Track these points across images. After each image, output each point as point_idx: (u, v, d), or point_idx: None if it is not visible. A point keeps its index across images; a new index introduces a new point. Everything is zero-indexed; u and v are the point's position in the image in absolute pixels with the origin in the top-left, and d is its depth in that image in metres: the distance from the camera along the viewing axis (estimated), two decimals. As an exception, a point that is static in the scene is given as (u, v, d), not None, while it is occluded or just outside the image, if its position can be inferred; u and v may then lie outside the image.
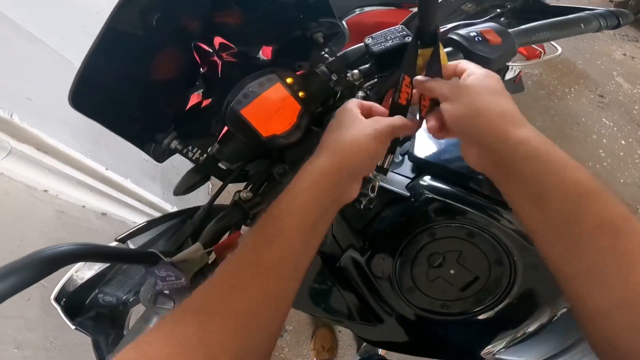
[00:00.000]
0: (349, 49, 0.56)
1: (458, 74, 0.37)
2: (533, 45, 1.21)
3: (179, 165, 1.49)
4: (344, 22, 1.41)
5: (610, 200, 0.25)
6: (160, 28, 0.37)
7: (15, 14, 0.87)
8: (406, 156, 0.60)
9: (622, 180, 1.59)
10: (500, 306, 0.41)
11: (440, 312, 0.43)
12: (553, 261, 0.26)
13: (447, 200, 0.47)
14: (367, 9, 1.41)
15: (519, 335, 0.43)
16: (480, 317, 0.42)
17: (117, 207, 1.14)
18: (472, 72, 0.35)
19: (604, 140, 1.70)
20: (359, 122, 0.35)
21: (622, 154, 1.66)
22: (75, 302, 0.49)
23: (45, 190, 1.01)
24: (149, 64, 0.40)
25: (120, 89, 0.38)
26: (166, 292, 0.40)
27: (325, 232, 0.34)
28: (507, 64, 1.27)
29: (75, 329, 0.45)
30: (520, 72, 1.40)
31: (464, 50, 0.45)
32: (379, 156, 0.36)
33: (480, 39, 0.45)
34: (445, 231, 0.44)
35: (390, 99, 0.43)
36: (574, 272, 0.25)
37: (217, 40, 0.49)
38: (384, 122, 0.35)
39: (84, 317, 0.46)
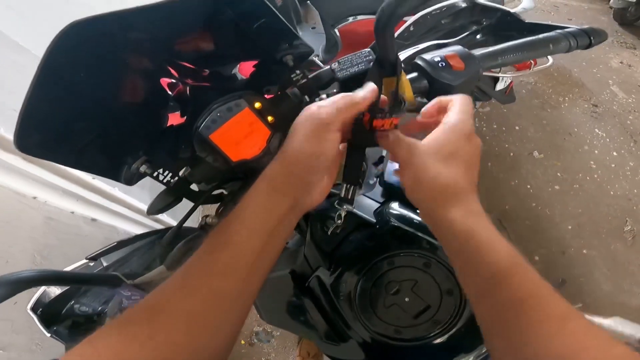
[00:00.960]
0: (320, 70, 0.57)
1: (441, 112, 0.37)
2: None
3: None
4: (336, 31, 1.42)
5: (521, 279, 0.28)
6: (111, 61, 0.36)
7: None
8: (376, 182, 0.62)
9: (612, 193, 1.60)
10: (450, 333, 0.43)
11: (394, 337, 0.45)
12: (477, 317, 0.31)
13: (410, 229, 0.48)
14: (360, 17, 1.42)
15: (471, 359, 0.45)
16: (435, 341, 0.44)
17: (106, 215, 1.16)
18: (447, 121, 0.34)
19: (596, 152, 1.70)
20: (302, 122, 0.34)
21: (613, 165, 1.67)
22: (51, 312, 0.51)
23: (34, 197, 1.03)
24: (106, 93, 0.39)
25: (71, 123, 0.36)
26: None
27: (286, 239, 0.35)
28: (498, 75, 1.28)
29: (50, 336, 0.48)
30: (511, 82, 1.41)
31: (428, 76, 0.46)
32: (326, 153, 0.33)
33: (444, 64, 0.46)
34: (404, 260, 0.46)
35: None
36: (489, 336, 0.30)
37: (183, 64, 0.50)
38: (323, 110, 0.34)
39: (60, 325, 0.48)
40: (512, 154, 1.75)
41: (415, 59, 0.49)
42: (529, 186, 1.59)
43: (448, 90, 0.46)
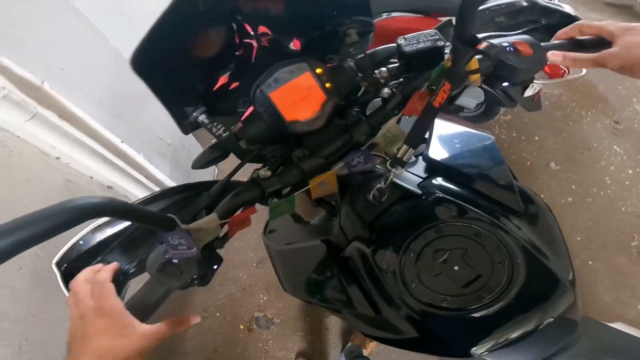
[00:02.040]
0: (378, 48, 0.59)
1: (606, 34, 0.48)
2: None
3: (190, 147, 1.51)
4: (370, 25, 1.42)
5: None
6: (215, 6, 0.42)
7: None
8: (420, 157, 0.62)
9: (623, 209, 1.61)
10: (496, 306, 0.43)
11: (440, 307, 0.45)
12: None
13: (458, 201, 0.49)
14: (394, 14, 1.42)
15: (501, 340, 0.45)
16: (476, 314, 0.44)
17: (125, 181, 1.17)
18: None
19: (612, 168, 1.71)
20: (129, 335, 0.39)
21: (627, 182, 1.67)
22: (75, 270, 0.51)
23: (58, 158, 1.04)
24: (197, 40, 0.45)
25: (170, 60, 0.43)
26: (175, 261, 0.41)
27: None
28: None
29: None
30: (540, 90, 1.41)
31: (494, 58, 0.47)
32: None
33: (511, 49, 0.48)
34: (453, 229, 0.46)
35: (414, 99, 0.47)
36: None
37: (259, 26, 0.52)
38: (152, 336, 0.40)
39: None
40: (529, 163, 1.75)
41: (480, 42, 0.50)
42: (543, 196, 1.59)
43: (513, 73, 0.47)
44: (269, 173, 0.48)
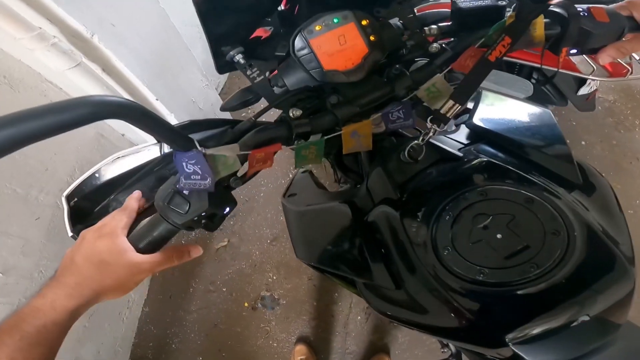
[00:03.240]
0: (429, 11, 0.58)
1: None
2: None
3: (221, 115, 1.52)
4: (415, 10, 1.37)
5: None
6: None
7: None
8: (462, 125, 0.57)
9: (661, 225, 1.47)
10: (543, 284, 0.38)
11: (474, 280, 0.40)
12: None
13: (507, 166, 0.43)
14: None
15: (541, 329, 0.39)
16: (518, 291, 0.38)
17: (153, 141, 1.20)
18: None
19: (659, 181, 1.57)
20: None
21: (673, 199, 1.53)
22: (85, 206, 0.50)
23: None
24: None
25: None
26: (185, 192, 0.39)
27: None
28: (587, 77, 1.17)
29: (71, 236, 0.45)
30: (595, 90, 1.30)
31: (564, 22, 0.45)
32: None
33: (586, 14, 0.45)
34: (500, 193, 0.41)
35: (467, 54, 0.46)
36: None
37: None
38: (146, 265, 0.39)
39: (86, 225, 0.45)
40: (571, 169, 1.63)
41: (552, 5, 0.48)
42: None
43: (586, 37, 0.45)
44: (299, 112, 0.45)
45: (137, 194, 0.45)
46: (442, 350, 0.89)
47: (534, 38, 0.45)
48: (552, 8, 0.46)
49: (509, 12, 0.45)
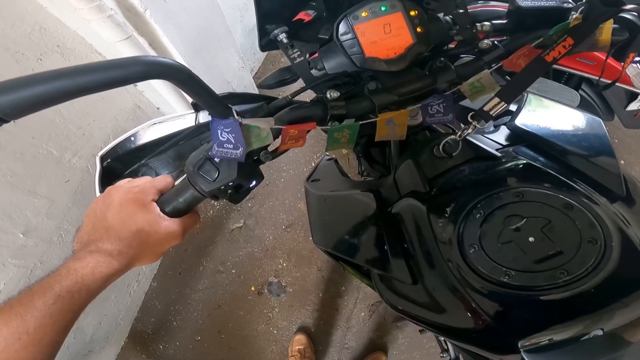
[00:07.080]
0: (482, 9, 0.57)
1: None
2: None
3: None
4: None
5: None
6: None
7: None
8: (501, 127, 0.56)
9: None
10: (570, 291, 0.37)
11: (498, 281, 0.40)
12: None
13: (547, 170, 0.42)
14: (492, 2, 1.31)
15: (558, 337, 0.38)
16: (543, 297, 0.38)
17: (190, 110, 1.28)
18: None
19: None
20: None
21: None
22: (115, 169, 0.52)
23: (135, 84, 1.11)
24: None
25: None
26: (216, 160, 0.41)
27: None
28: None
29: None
30: (645, 108, 1.23)
31: (634, 27, 0.44)
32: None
33: None
34: (537, 196, 0.40)
35: (521, 52, 0.45)
36: None
37: None
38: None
39: None
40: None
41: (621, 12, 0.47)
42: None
43: None
44: (337, 94, 0.46)
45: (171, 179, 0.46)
46: (441, 355, 0.89)
47: (598, 42, 0.44)
48: (622, 14, 0.45)
49: (574, 15, 0.44)
